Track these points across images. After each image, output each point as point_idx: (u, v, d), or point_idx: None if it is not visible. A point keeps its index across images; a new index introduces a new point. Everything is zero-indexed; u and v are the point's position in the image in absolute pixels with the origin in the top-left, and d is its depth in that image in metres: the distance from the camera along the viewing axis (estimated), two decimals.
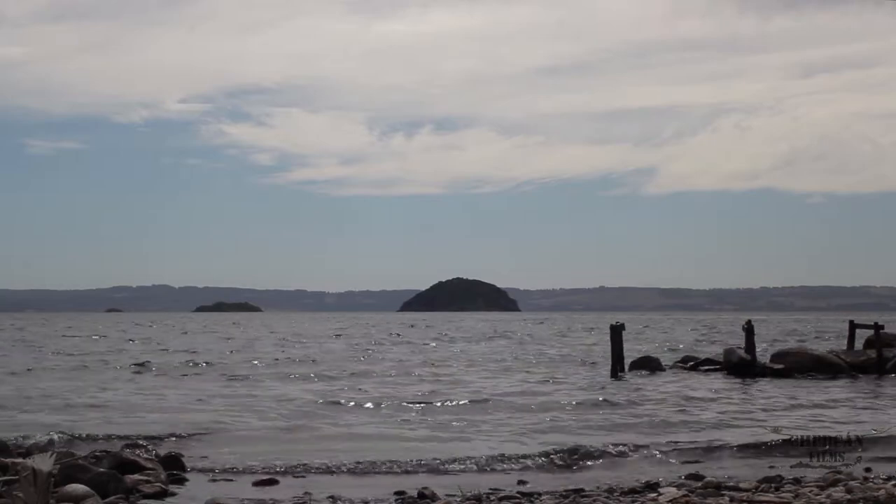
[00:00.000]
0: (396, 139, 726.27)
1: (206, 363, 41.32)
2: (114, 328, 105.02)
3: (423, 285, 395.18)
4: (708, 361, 36.78)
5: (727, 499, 12.01)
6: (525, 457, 15.98)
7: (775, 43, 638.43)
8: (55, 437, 17.01)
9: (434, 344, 62.98)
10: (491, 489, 13.07)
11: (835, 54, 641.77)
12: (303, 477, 14.47)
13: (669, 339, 68.83)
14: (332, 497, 12.62)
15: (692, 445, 17.38)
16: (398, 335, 79.38)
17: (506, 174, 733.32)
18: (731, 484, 13.03)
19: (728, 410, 23.38)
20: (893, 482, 13.01)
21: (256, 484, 13.79)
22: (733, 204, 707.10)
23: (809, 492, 12.28)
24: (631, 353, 39.37)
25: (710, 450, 16.99)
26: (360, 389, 28.73)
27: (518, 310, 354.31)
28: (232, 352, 52.03)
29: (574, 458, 16.02)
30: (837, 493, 12.14)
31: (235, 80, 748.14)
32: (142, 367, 38.72)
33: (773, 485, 12.96)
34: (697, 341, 64.25)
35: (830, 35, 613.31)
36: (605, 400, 25.49)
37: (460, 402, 24.96)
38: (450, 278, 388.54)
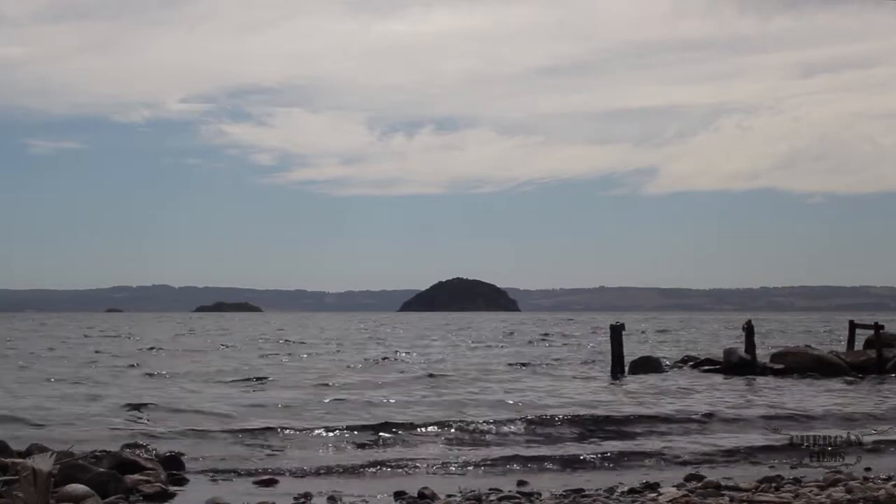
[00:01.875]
0: (397, 139, 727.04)
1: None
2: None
3: (423, 285, 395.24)
4: (708, 361, 36.76)
5: (727, 499, 12.01)
6: None
7: (775, 43, 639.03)
8: None
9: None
10: (491, 489, 13.07)
11: (835, 54, 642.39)
12: (302, 477, 14.50)
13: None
14: (332, 497, 12.63)
15: None
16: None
17: (506, 174, 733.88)
18: (731, 484, 13.03)
19: None
20: (893, 482, 13.01)
21: (256, 484, 13.80)
22: (733, 204, 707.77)
23: (809, 492, 12.28)
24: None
25: None
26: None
27: (518, 310, 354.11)
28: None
29: None
30: (837, 493, 12.14)
31: (236, 80, 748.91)
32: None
33: (773, 485, 12.97)
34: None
35: (831, 35, 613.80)
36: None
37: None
38: (450, 278, 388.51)
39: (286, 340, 66.87)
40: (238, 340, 67.60)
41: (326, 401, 24.38)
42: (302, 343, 63.06)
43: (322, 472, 14.98)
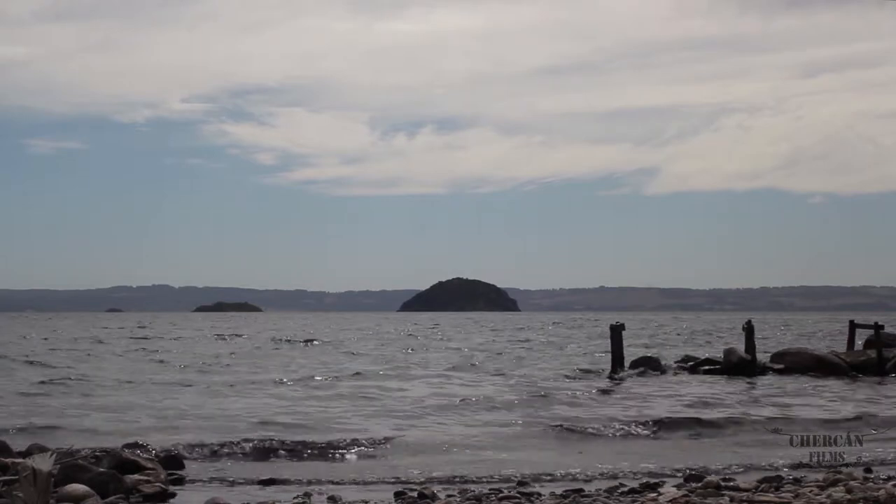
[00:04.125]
0: (398, 139, 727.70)
1: None
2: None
3: (423, 285, 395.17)
4: (708, 361, 36.72)
5: (727, 499, 12.00)
6: None
7: (778, 42, 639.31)
8: None
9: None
10: (491, 489, 13.06)
11: (838, 54, 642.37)
12: (304, 476, 14.49)
13: None
14: (332, 497, 12.61)
15: None
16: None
17: (507, 174, 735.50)
18: (732, 484, 13.02)
19: None
20: (893, 482, 13.01)
21: (257, 483, 13.78)
22: (734, 204, 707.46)
23: (809, 492, 12.27)
24: None
25: None
26: None
27: (518, 310, 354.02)
28: None
29: None
30: (837, 493, 12.13)
31: (237, 79, 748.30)
32: None
33: (773, 485, 12.96)
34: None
35: (833, 35, 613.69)
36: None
37: None
38: (450, 278, 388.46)
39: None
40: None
41: None
42: None
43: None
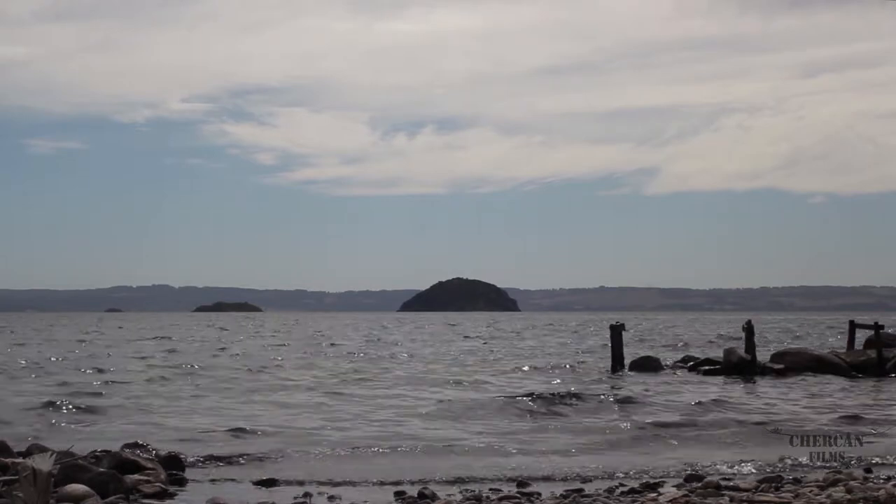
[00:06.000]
0: (398, 139, 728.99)
1: None
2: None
3: (423, 285, 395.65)
4: (708, 361, 36.71)
5: (727, 499, 12.00)
6: None
7: (778, 43, 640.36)
8: None
9: None
10: (491, 489, 13.07)
11: (838, 54, 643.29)
12: (303, 478, 14.47)
13: None
14: (331, 497, 12.61)
15: None
16: None
17: (507, 174, 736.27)
18: (731, 484, 13.02)
19: None
20: (893, 482, 13.01)
21: (256, 484, 13.77)
22: (734, 204, 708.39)
23: (809, 492, 12.27)
24: None
25: None
26: None
27: (518, 310, 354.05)
28: None
29: None
30: (837, 493, 12.13)
31: (238, 79, 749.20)
32: None
33: (773, 485, 12.96)
34: None
35: (834, 35, 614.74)
36: None
37: None
38: (450, 278, 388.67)
39: None
40: None
41: None
42: None
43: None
